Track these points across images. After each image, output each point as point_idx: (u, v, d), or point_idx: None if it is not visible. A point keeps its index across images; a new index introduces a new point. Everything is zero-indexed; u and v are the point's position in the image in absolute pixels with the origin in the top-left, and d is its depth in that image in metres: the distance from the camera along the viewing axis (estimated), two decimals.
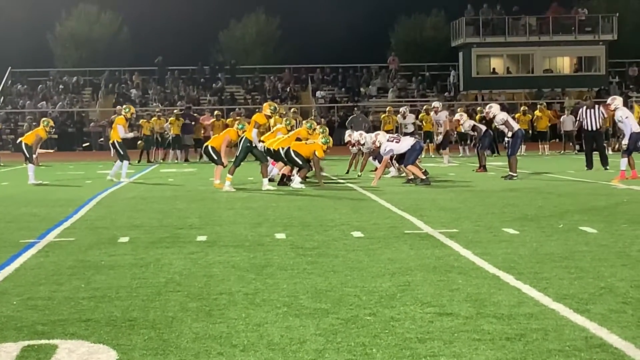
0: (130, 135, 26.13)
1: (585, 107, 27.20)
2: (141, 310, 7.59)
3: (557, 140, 43.07)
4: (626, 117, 21.66)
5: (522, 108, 41.91)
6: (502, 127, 23.00)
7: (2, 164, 38.12)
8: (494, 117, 23.13)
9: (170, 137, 38.73)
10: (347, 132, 26.62)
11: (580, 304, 7.56)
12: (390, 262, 9.92)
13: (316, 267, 9.63)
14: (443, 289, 8.34)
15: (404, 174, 21.92)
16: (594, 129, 26.51)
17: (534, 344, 6.32)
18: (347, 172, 25.73)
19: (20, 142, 24.79)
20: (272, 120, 23.68)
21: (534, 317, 7.11)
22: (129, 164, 25.22)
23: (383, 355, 6.11)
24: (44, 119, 26.10)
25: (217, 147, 21.15)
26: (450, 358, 6.01)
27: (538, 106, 42.34)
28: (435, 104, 34.69)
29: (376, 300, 7.88)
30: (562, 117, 42.11)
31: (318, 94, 59.69)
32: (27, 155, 24.35)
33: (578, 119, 28.38)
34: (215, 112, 41.30)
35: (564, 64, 62.46)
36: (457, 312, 7.32)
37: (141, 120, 40.19)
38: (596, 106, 26.78)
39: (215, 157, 21.10)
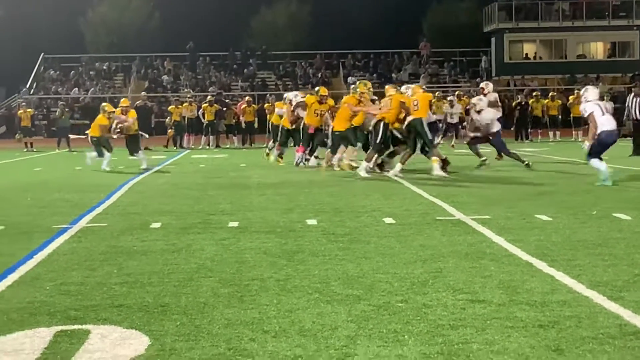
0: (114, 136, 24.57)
1: (632, 95, 26.92)
2: (173, 296, 7.61)
3: None
4: None
5: (550, 94, 41.65)
6: (482, 123, 21.69)
7: (35, 150, 38.32)
8: (480, 110, 22.00)
9: (205, 123, 38.63)
10: None
11: (614, 291, 7.50)
12: (422, 248, 9.89)
13: (348, 254, 9.61)
14: (475, 275, 8.30)
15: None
16: (637, 118, 26.21)
17: (567, 331, 6.28)
18: None
19: (89, 136, 24.39)
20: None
21: (567, 304, 7.07)
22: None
23: (415, 341, 6.09)
24: (103, 104, 25.52)
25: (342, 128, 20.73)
26: (483, 345, 5.98)
27: (575, 92, 42.08)
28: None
29: (408, 286, 7.85)
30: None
31: (349, 79, 59.56)
32: (105, 146, 23.99)
33: (626, 105, 27.78)
34: (247, 98, 41.38)
35: (598, 49, 62.03)
36: (490, 299, 7.28)
37: (170, 107, 40.29)
38: None
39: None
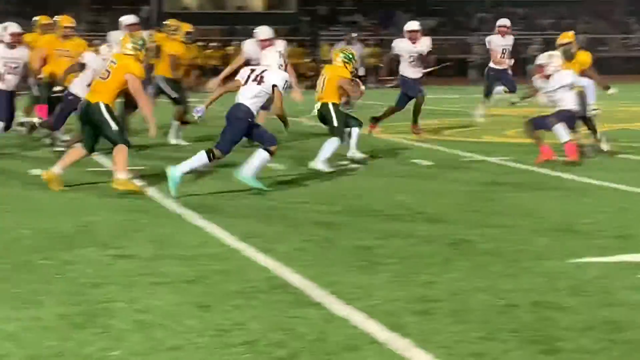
0: None
1: None
2: None
3: None
4: None
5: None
6: None
7: None
8: None
9: None
10: None
11: (267, 243, 7.38)
12: (72, 200, 9.43)
13: None
14: (127, 229, 7.99)
15: None
16: None
17: (215, 286, 6.07)
18: None
19: None
20: None
21: (216, 257, 6.89)
22: None
23: (53, 302, 5.67)
24: None
25: None
26: (127, 303, 5.65)
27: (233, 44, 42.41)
28: None
29: (52, 242, 7.42)
30: None
31: None
32: None
33: None
34: None
35: (256, 2, 62.77)
36: (138, 254, 6.99)
37: None
38: None
39: None
